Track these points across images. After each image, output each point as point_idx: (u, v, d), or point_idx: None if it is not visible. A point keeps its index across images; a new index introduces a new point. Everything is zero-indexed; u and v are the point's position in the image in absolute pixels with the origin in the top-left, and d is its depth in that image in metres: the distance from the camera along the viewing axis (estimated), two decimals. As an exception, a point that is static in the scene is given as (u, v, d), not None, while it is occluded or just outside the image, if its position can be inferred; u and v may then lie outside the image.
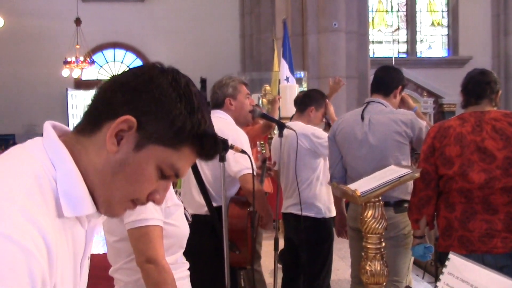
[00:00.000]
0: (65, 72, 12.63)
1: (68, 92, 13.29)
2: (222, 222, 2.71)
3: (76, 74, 12.72)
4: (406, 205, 3.21)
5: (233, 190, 2.81)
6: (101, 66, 14.26)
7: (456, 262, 1.12)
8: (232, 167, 2.74)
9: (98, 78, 13.61)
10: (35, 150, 0.91)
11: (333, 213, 3.77)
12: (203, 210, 2.78)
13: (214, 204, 2.69)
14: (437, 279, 5.13)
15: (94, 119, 0.95)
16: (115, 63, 14.26)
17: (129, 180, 0.93)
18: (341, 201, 3.72)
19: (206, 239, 2.68)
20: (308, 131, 3.63)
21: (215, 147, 0.98)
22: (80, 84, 13.64)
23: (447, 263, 1.16)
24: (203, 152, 0.97)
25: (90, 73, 13.67)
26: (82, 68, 12.47)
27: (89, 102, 0.97)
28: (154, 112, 0.91)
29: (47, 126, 0.95)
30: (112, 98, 0.94)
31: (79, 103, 13.20)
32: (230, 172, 2.74)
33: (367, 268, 2.67)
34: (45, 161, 0.89)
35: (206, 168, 2.82)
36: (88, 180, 0.92)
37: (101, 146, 0.92)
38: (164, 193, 1.00)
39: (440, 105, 14.50)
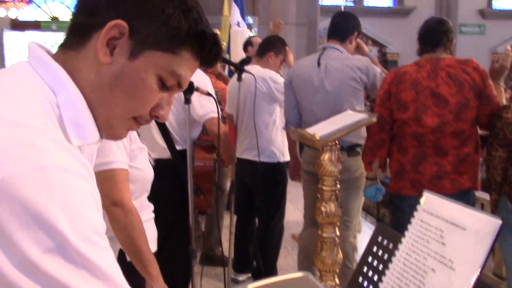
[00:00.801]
0: (1, 12, 11.89)
1: (4, 33, 12.53)
2: (186, 166, 2.71)
3: (12, 14, 11.99)
4: (358, 149, 3.32)
5: (194, 134, 2.78)
6: (38, 6, 13.43)
7: (430, 199, 1.16)
8: (197, 111, 2.70)
9: (37, 20, 12.85)
10: (27, 76, 0.81)
11: (287, 157, 3.83)
12: (166, 154, 2.74)
13: (178, 148, 2.65)
14: (378, 219, 5.43)
15: (80, 31, 0.85)
16: (54, 3, 13.46)
17: (129, 94, 0.85)
18: (295, 146, 3.78)
19: (170, 183, 2.65)
20: (266, 75, 3.62)
21: (217, 48, 0.90)
22: (17, 25, 12.86)
23: (421, 200, 1.20)
24: (204, 54, 0.89)
25: (27, 13, 12.89)
26: (19, 8, 11.75)
27: (71, 15, 0.87)
28: (146, 13, 0.83)
29: (34, 47, 0.85)
30: (95, 3, 0.84)
31: (16, 45, 12.48)
32: (195, 115, 2.70)
33: (322, 209, 2.75)
34: (42, 87, 0.80)
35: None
36: (86, 100, 0.84)
37: (93, 60, 0.84)
38: (168, 108, 0.91)
39: (383, 54, 14.81)
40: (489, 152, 2.76)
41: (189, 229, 2.24)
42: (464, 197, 2.82)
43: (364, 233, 4.10)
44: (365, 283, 1.25)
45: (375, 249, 1.26)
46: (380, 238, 1.27)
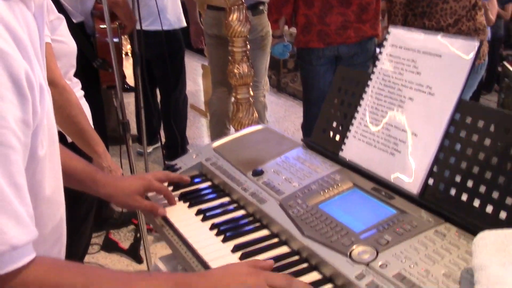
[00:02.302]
0: None
1: None
2: (86, 40, 2.48)
3: None
4: (262, 7, 3.27)
5: (88, 4, 2.51)
6: None
7: (397, 33, 1.20)
8: None
9: None
10: None
11: (183, 23, 3.66)
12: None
13: (74, 21, 2.40)
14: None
15: None
16: None
17: None
18: (195, 9, 3.62)
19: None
20: None
21: None
22: None
23: (387, 36, 1.23)
24: None
25: None
26: None
27: None
28: None
29: None
30: None
31: None
32: None
33: (235, 71, 2.75)
34: None
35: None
36: None
37: None
38: None
39: None
40: (390, -1, 2.88)
41: (121, 104, 2.13)
42: (367, 44, 2.97)
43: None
44: (334, 123, 1.30)
45: (339, 91, 1.30)
46: (342, 81, 1.31)
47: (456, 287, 0.80)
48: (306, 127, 3.28)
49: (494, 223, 0.87)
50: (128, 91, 4.83)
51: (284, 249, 1.02)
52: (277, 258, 0.99)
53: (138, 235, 2.79)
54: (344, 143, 1.24)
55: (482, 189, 0.95)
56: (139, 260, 2.73)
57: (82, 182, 1.15)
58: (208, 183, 1.32)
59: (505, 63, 4.58)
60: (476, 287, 0.71)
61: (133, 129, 3.92)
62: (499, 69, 5.28)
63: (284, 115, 5.15)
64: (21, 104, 0.71)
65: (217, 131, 3.55)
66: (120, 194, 1.17)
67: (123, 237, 3.00)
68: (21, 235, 0.70)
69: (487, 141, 0.97)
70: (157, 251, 2.78)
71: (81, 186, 1.16)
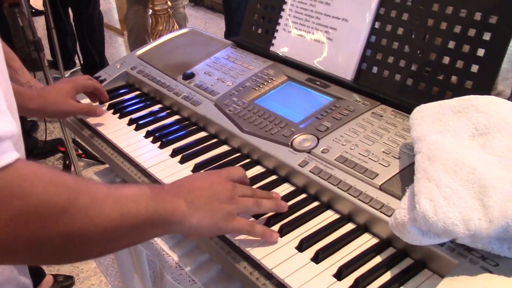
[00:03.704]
0: None
1: None
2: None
3: None
4: None
5: None
6: None
7: None
8: None
9: None
10: None
11: None
12: None
13: None
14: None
15: None
16: None
17: None
18: None
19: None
20: None
21: None
22: None
23: None
24: None
25: None
26: None
27: None
28: None
29: None
30: None
31: None
32: None
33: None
34: None
35: None
36: None
37: None
38: None
39: None
40: None
41: (30, 21, 1.95)
42: None
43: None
44: (262, 19, 1.26)
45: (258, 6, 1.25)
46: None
47: (396, 162, 0.83)
48: (230, 36, 3.20)
49: (427, 99, 0.89)
50: (35, 15, 4.47)
51: (224, 148, 1.01)
52: (218, 157, 0.97)
53: (68, 162, 2.69)
54: (275, 37, 1.21)
55: (414, 67, 0.96)
56: (72, 187, 2.65)
57: None
58: (137, 92, 1.26)
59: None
60: (417, 157, 0.73)
61: (47, 55, 3.67)
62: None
63: (205, 27, 4.99)
64: None
65: (137, 48, 3.38)
66: (52, 102, 1.07)
67: (52, 166, 2.88)
68: (3, 123, 0.54)
69: (417, 20, 0.97)
70: (89, 176, 2.71)
71: None
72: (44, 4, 2.49)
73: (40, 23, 3.78)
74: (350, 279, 0.68)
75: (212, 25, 5.02)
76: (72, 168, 2.55)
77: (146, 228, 0.65)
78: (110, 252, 0.64)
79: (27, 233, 0.53)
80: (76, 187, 0.58)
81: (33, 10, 4.76)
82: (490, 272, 0.62)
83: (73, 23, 3.62)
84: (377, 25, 1.02)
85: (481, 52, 0.88)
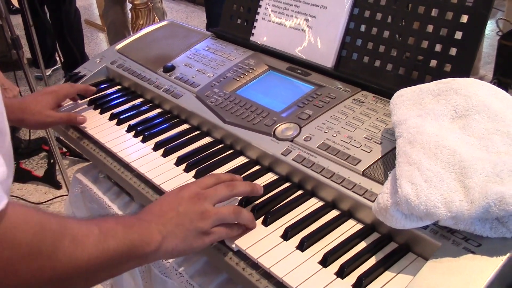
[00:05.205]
0: None
1: None
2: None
3: None
4: None
5: None
6: None
7: None
8: None
9: None
10: None
11: None
12: None
13: None
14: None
15: None
16: None
17: None
18: None
19: None
20: None
21: None
22: None
23: None
24: None
25: None
26: None
27: None
28: None
29: None
30: None
31: None
32: None
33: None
34: None
35: None
36: None
37: None
38: None
39: None
40: None
41: (7, 18, 1.91)
42: None
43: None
44: (241, 8, 1.25)
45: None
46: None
47: (378, 147, 0.83)
48: (212, 27, 3.18)
49: (407, 83, 0.89)
50: (14, 13, 4.40)
51: (207, 140, 1.00)
52: (201, 149, 0.96)
53: (52, 160, 2.66)
54: (254, 27, 1.20)
55: (394, 52, 0.97)
56: (57, 186, 2.62)
57: None
58: (117, 87, 1.24)
59: None
60: (398, 141, 0.73)
61: (27, 53, 3.61)
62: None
63: (187, 20, 4.96)
64: None
65: (116, 42, 3.35)
66: (31, 114, 1.05)
67: (36, 165, 2.85)
68: None
69: (395, 4, 0.97)
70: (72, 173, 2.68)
71: None
72: (20, 2, 2.45)
73: (18, 21, 3.72)
74: (336, 265, 0.68)
75: (194, 18, 4.98)
76: (57, 167, 2.52)
77: (123, 261, 0.64)
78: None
79: (15, 282, 0.52)
80: (60, 230, 0.58)
81: (12, 7, 4.68)
82: (473, 252, 0.62)
83: (49, 20, 3.57)
84: (355, 11, 1.02)
85: (459, 34, 0.89)
